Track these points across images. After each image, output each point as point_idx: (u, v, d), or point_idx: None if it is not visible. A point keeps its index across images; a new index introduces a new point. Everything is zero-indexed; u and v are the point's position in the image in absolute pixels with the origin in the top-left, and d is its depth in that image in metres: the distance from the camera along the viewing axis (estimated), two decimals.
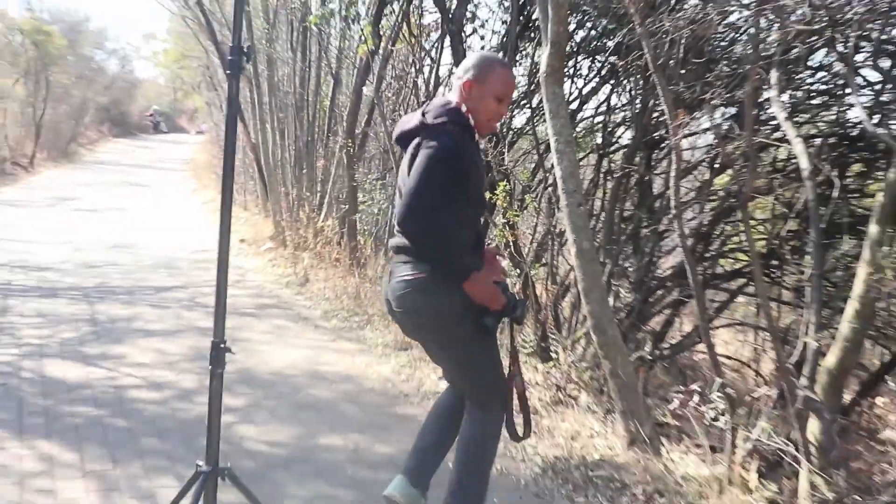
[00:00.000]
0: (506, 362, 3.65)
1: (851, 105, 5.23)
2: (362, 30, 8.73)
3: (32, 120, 25.26)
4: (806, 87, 6.08)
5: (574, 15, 7.00)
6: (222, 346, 2.81)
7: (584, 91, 7.70)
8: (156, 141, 44.03)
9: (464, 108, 3.44)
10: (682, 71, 5.63)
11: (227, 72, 2.79)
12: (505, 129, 7.77)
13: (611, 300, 6.11)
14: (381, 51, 9.10)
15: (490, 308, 3.38)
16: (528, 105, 7.73)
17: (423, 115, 3.43)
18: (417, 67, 8.89)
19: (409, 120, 3.50)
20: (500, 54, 7.72)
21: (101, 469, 4.19)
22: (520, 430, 3.63)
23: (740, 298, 7.32)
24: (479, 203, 3.52)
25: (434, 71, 8.66)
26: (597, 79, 7.63)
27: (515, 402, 3.68)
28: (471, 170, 3.37)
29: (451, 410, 3.73)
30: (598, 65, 7.54)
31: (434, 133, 3.33)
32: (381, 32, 8.87)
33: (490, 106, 3.45)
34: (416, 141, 3.38)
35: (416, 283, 3.36)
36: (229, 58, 2.75)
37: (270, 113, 13.03)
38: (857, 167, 6.07)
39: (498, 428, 3.60)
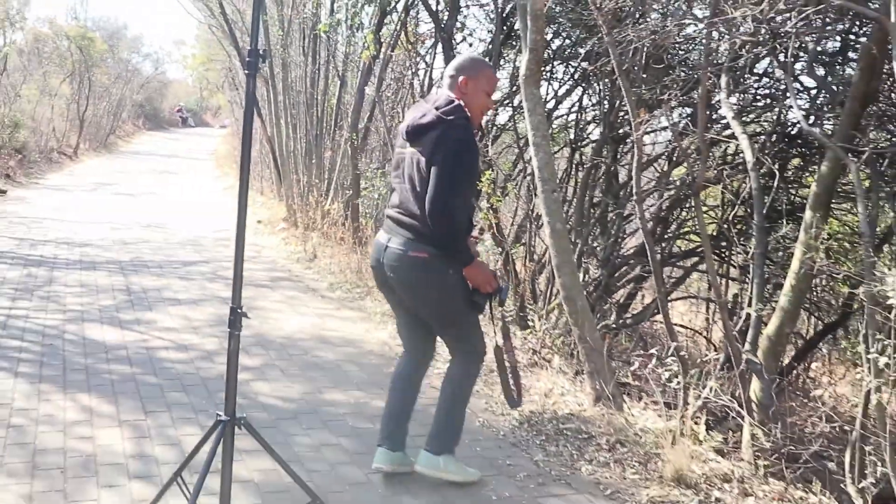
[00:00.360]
0: (497, 338, 3.75)
1: (791, 107, 5.23)
2: (365, 37, 8.70)
3: (77, 115, 25.13)
4: (752, 91, 6.08)
5: (550, 25, 6.98)
6: (239, 311, 2.80)
7: (560, 93, 7.69)
8: (184, 134, 43.82)
9: (473, 102, 3.46)
10: (644, 75, 5.63)
11: (246, 72, 2.77)
12: (489, 125, 7.76)
13: (580, 275, 6.12)
14: (381, 56, 9.07)
15: (483, 291, 3.45)
16: (510, 104, 7.72)
17: (437, 109, 3.41)
18: (413, 71, 8.86)
19: (422, 114, 3.45)
20: (486, 59, 7.70)
21: (135, 419, 4.18)
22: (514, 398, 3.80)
23: (694, 275, 7.35)
24: (476, 190, 3.54)
25: (428, 74, 8.63)
26: (570, 82, 7.62)
27: (510, 374, 3.82)
28: (477, 161, 3.43)
29: (409, 378, 3.79)
30: (572, 70, 7.52)
31: (452, 127, 3.33)
32: (382, 40, 8.84)
33: (482, 100, 3.49)
34: (434, 135, 3.34)
35: (418, 261, 3.40)
36: (248, 59, 2.73)
37: (284, 110, 12.98)
38: (795, 161, 6.09)
39: (478, 368, 3.71)
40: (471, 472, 3.73)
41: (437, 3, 8.09)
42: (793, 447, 3.88)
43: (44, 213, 12.23)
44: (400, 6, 8.72)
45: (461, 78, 3.47)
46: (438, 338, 3.78)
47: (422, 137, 3.39)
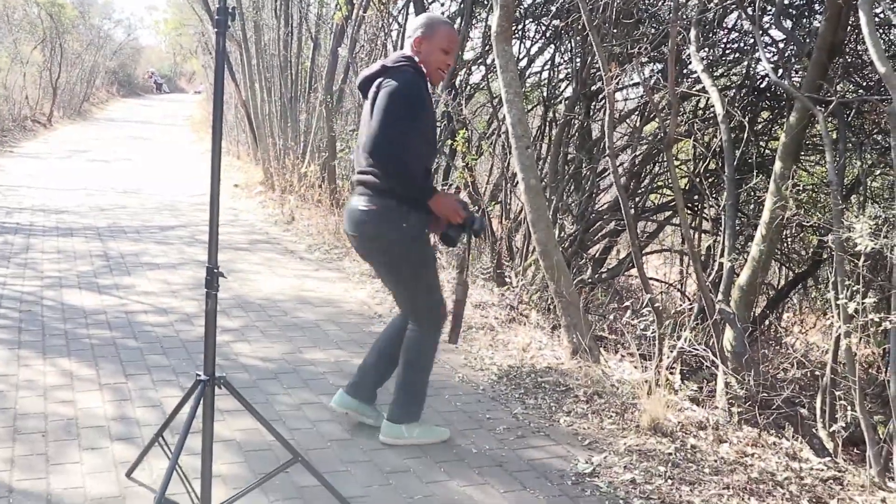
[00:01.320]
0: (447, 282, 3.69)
1: (759, 60, 5.22)
2: None
3: (49, 82, 24.70)
4: (721, 45, 6.07)
5: None
6: (216, 270, 2.77)
7: (532, 51, 7.66)
8: (158, 100, 43.24)
9: (427, 59, 3.42)
10: (615, 31, 5.60)
11: (215, 29, 2.70)
12: (463, 85, 7.70)
13: (556, 231, 6.12)
14: (354, 17, 8.96)
15: (452, 221, 3.36)
16: (483, 63, 7.66)
17: (384, 62, 3.43)
18: (386, 32, 8.76)
19: (371, 68, 3.47)
20: (458, 19, 7.62)
21: (115, 382, 4.15)
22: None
23: (667, 228, 7.39)
24: (430, 141, 3.47)
25: (401, 34, 8.55)
26: (542, 40, 7.58)
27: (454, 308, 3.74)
28: (425, 107, 3.34)
29: (390, 335, 3.75)
30: (543, 28, 7.47)
31: (394, 72, 3.31)
32: (354, 1, 8.72)
33: (439, 57, 3.42)
34: (377, 81, 3.33)
35: (374, 213, 3.35)
36: (216, 17, 2.67)
37: (258, 73, 12.81)
38: (765, 114, 6.10)
39: (430, 345, 3.61)
40: (439, 430, 3.70)
41: None
42: (765, 394, 3.92)
43: (18, 181, 12.05)
44: None
45: (415, 38, 3.43)
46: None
47: (370, 88, 3.38)
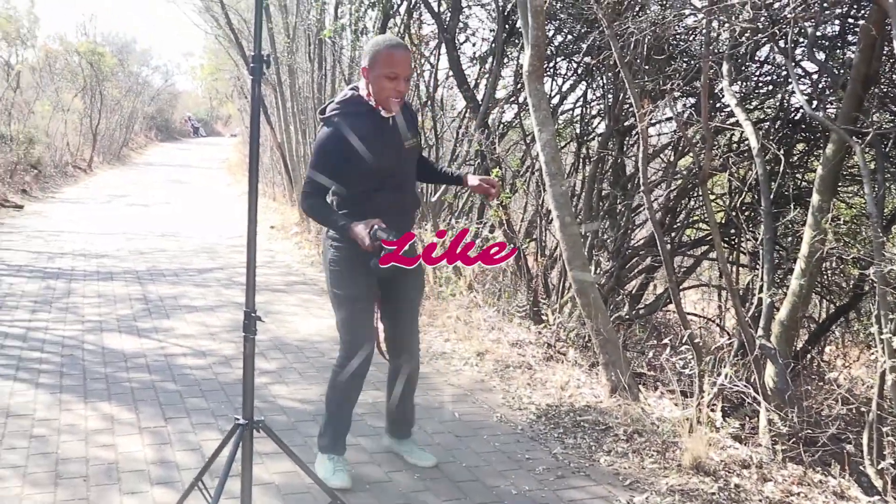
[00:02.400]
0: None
1: (793, 92, 5.19)
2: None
3: (90, 129, 25.20)
4: (754, 78, 6.04)
5: (551, 21, 6.95)
6: (253, 314, 2.79)
7: (564, 88, 7.67)
8: (195, 144, 43.88)
9: (364, 93, 3.42)
10: (646, 67, 5.60)
11: (251, 76, 2.75)
12: (496, 123, 7.73)
13: (592, 268, 6.09)
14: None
15: (365, 249, 3.22)
16: (514, 101, 7.70)
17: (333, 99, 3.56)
18: (418, 72, 8.84)
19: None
20: (490, 58, 7.68)
21: (155, 426, 4.18)
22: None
23: (704, 263, 7.31)
24: (372, 177, 3.40)
25: (433, 74, 8.61)
26: (574, 77, 7.60)
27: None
28: (352, 153, 3.32)
29: (390, 374, 3.86)
30: (575, 65, 7.49)
31: (322, 124, 3.45)
32: None
33: (384, 85, 3.34)
34: None
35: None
36: (252, 65, 2.71)
37: (293, 116, 12.97)
38: (800, 146, 6.04)
39: (349, 365, 3.55)
40: (335, 480, 3.51)
41: (439, 4, 8.07)
42: (810, 431, 3.84)
43: (60, 226, 12.26)
44: (402, 9, 8.71)
45: (361, 69, 3.42)
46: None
47: None
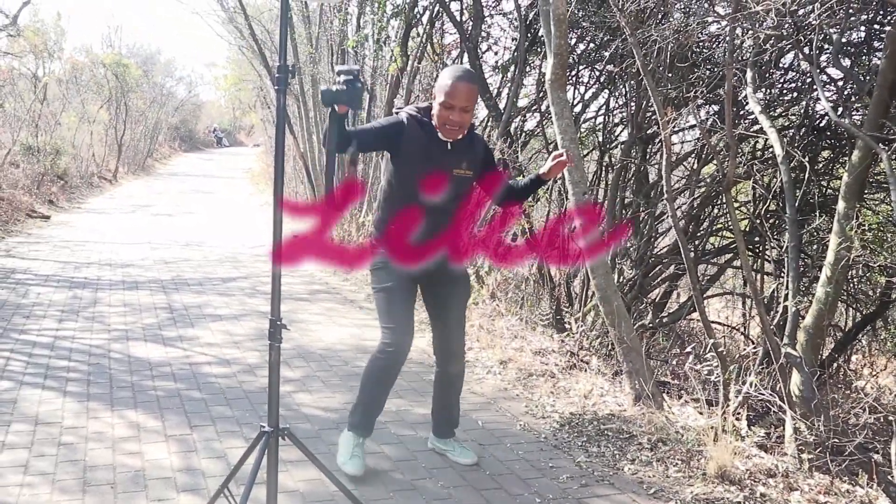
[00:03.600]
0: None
1: (818, 99, 5.16)
2: (392, 51, 8.72)
3: (115, 139, 25.45)
4: (778, 85, 6.02)
5: (574, 30, 6.96)
6: (279, 322, 2.81)
7: (586, 96, 7.66)
8: (219, 154, 44.18)
9: (433, 111, 3.59)
10: (669, 74, 5.59)
11: (276, 87, 2.78)
12: (518, 132, 7.75)
13: (615, 276, 6.08)
14: (409, 68, 9.09)
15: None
16: (537, 110, 7.70)
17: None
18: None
19: None
20: (512, 67, 7.69)
21: (181, 434, 4.21)
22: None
23: (728, 271, 7.27)
24: (411, 184, 3.61)
25: None
26: (596, 85, 7.59)
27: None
28: (408, 149, 3.58)
29: (439, 377, 4.01)
30: (597, 73, 7.49)
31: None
32: (409, 52, 8.86)
33: (441, 112, 3.54)
34: None
35: None
36: (277, 75, 2.74)
37: (316, 125, 13.05)
38: (825, 153, 6.01)
39: (382, 354, 3.68)
40: (349, 466, 3.73)
41: (462, 13, 8.10)
42: (837, 440, 3.82)
43: (86, 237, 12.39)
44: (425, 18, 8.75)
45: (432, 94, 3.67)
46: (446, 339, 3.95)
47: None
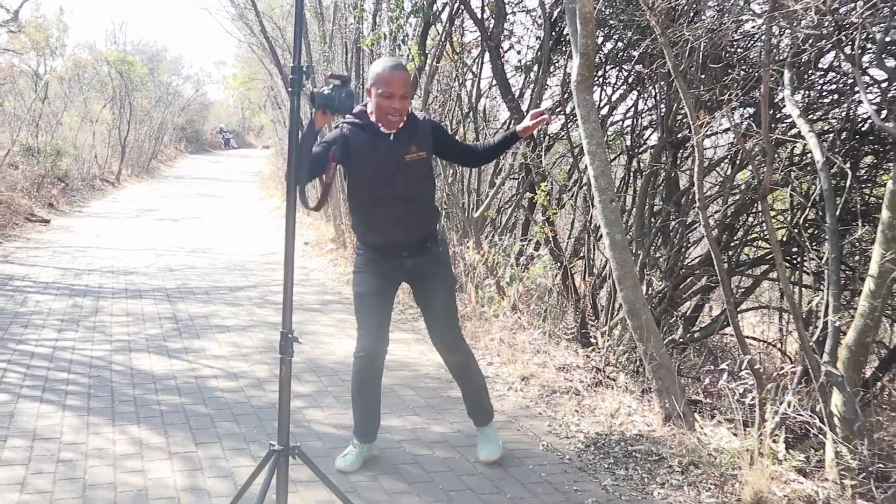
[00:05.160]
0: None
1: (860, 102, 5.13)
2: (410, 49, 8.73)
3: (118, 140, 25.65)
4: (817, 87, 5.98)
5: (601, 28, 6.95)
6: (290, 335, 2.81)
7: (614, 98, 7.65)
8: (226, 156, 44.45)
9: (368, 110, 3.89)
10: (702, 75, 5.57)
11: (289, 90, 2.79)
12: (542, 135, 7.74)
13: (643, 288, 6.05)
14: (427, 67, 9.11)
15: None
16: (562, 112, 7.69)
17: None
18: (460, 81, 8.87)
19: None
20: (536, 67, 7.69)
21: (185, 451, 4.22)
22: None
23: (764, 283, 7.23)
24: (365, 187, 3.93)
25: (476, 84, 8.63)
26: (624, 86, 7.58)
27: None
28: (358, 154, 3.85)
29: (450, 367, 4.30)
30: (626, 73, 7.48)
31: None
32: (427, 51, 8.87)
33: (381, 103, 3.78)
34: None
35: None
36: (290, 76, 2.75)
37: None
38: (868, 159, 5.97)
39: (357, 359, 4.09)
40: (339, 462, 4.08)
41: (483, 11, 8.11)
42: (882, 465, 3.77)
43: (88, 242, 12.47)
44: (444, 16, 8.76)
45: (366, 89, 3.89)
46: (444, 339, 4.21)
47: None
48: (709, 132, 6.05)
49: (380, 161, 3.86)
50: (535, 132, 7.41)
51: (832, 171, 4.76)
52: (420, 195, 4.01)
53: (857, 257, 5.43)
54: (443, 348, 4.20)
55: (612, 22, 6.82)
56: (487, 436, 4.30)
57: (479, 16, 7.96)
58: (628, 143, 7.52)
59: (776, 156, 5.51)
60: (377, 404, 4.16)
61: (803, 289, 6.55)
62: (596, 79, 7.00)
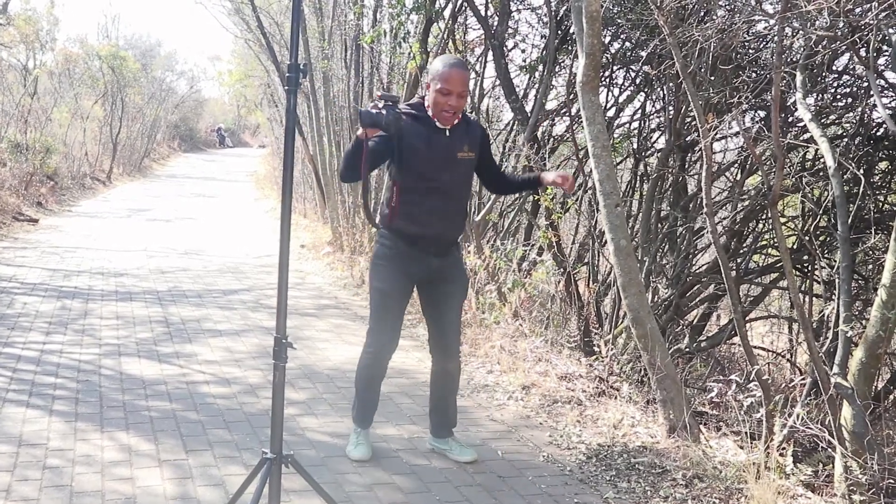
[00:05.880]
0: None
1: (875, 106, 5.14)
2: (411, 47, 8.75)
3: (110, 137, 25.67)
4: (830, 90, 6.00)
5: (608, 28, 6.97)
6: (284, 341, 2.82)
7: (620, 99, 7.66)
8: (221, 155, 44.48)
9: (426, 103, 4.06)
10: (712, 77, 5.58)
11: (286, 87, 2.80)
12: (546, 137, 7.75)
13: (649, 296, 6.06)
14: (428, 66, 9.11)
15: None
16: (566, 113, 7.70)
17: None
18: None
19: None
20: (541, 66, 7.70)
21: (176, 458, 4.23)
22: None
23: (773, 292, 7.24)
24: (417, 176, 4.01)
25: (479, 83, 8.65)
26: (631, 87, 7.59)
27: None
28: (410, 144, 3.97)
29: (434, 374, 4.43)
30: (633, 74, 7.49)
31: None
32: (429, 49, 8.89)
33: (438, 99, 3.97)
34: None
35: None
36: (287, 74, 2.76)
37: (327, 126, 13.08)
38: (882, 165, 5.98)
39: (365, 354, 4.30)
40: (356, 453, 4.32)
41: (487, 8, 8.12)
42: (892, 481, 3.78)
43: (77, 242, 12.48)
44: (447, 13, 8.77)
45: (424, 83, 4.12)
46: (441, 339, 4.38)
47: None
48: (718, 136, 6.06)
49: (434, 154, 4.02)
50: (538, 134, 7.43)
51: (845, 177, 4.77)
52: (462, 194, 4.23)
53: (869, 266, 5.44)
54: (444, 356, 4.31)
55: (619, 21, 6.83)
56: (458, 441, 4.48)
57: (482, 13, 7.97)
58: (635, 146, 7.53)
59: (787, 161, 5.52)
60: (378, 394, 4.40)
61: (814, 298, 6.56)
62: (602, 80, 7.01)
